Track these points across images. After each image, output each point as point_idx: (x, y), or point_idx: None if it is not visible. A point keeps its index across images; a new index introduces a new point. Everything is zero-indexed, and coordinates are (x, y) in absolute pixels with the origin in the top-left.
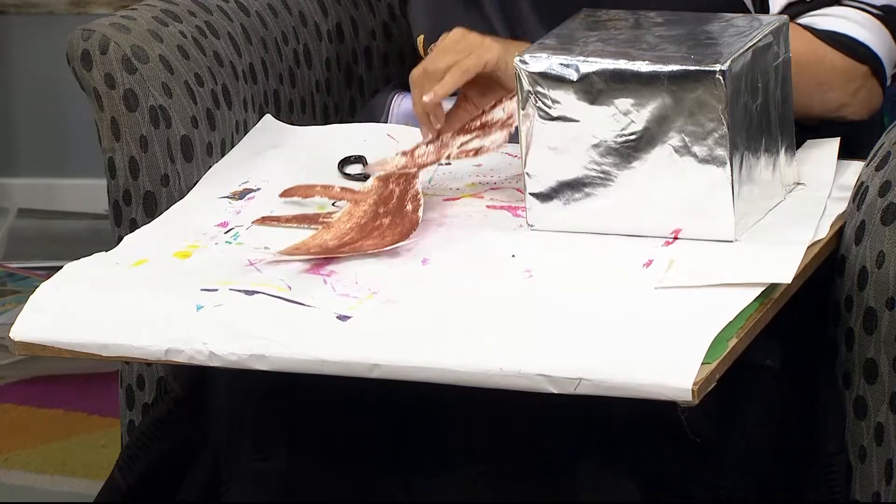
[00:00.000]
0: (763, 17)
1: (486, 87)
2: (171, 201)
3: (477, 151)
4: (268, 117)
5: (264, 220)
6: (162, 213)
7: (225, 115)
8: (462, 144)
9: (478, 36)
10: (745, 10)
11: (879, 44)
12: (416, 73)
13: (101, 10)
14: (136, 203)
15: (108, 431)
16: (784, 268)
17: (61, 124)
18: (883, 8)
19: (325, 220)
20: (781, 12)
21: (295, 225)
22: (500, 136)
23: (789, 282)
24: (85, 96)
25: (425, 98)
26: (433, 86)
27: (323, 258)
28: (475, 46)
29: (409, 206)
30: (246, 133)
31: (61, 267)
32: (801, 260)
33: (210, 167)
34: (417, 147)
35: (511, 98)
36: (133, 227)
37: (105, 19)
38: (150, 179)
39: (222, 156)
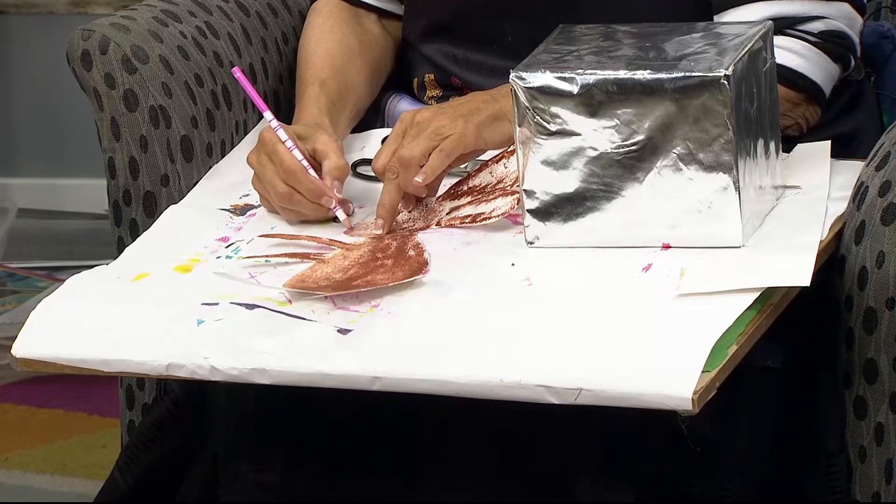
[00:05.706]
0: (744, 23)
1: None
2: (171, 201)
3: (474, 218)
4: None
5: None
6: (162, 213)
7: (225, 115)
8: (453, 210)
9: (440, 116)
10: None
11: (817, 71)
12: (384, 164)
13: (101, 10)
14: (136, 203)
15: (108, 431)
16: (800, 269)
17: (61, 124)
18: (820, 35)
19: (317, 257)
20: None
21: (288, 260)
22: (503, 202)
23: (808, 283)
24: (85, 96)
25: (418, 179)
26: (410, 173)
27: (336, 294)
28: (446, 129)
29: (412, 252)
30: (246, 133)
31: (61, 267)
32: (815, 261)
33: (210, 168)
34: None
35: (497, 162)
36: (133, 227)
37: (105, 19)
38: (150, 179)
39: (222, 156)
